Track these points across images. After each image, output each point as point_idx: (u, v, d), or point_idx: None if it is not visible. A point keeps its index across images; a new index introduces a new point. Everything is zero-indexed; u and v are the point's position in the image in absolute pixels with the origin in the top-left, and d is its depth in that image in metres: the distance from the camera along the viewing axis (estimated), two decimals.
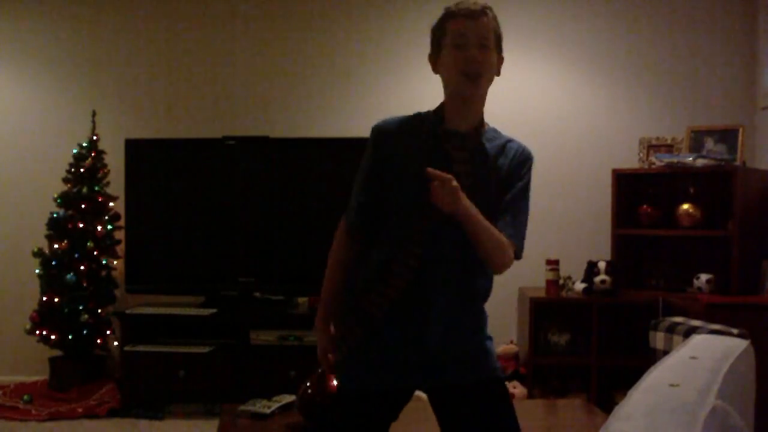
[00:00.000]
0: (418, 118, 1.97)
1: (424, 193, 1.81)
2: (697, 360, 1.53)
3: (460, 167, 1.86)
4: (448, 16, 1.90)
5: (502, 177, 1.91)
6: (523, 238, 1.93)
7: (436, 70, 1.96)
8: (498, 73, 1.95)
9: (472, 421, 1.90)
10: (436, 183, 1.76)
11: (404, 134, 1.95)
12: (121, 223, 4.67)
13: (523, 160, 1.94)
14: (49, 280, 4.51)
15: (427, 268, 1.87)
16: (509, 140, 1.97)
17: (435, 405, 1.97)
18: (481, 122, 1.94)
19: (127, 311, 4.46)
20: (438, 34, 1.93)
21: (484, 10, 1.89)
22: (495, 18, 1.91)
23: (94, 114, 4.71)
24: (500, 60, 1.95)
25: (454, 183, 1.75)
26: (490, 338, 2.01)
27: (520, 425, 1.95)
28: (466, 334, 1.93)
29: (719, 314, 3.57)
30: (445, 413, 1.94)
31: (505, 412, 1.93)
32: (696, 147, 4.35)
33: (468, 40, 1.86)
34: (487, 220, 1.84)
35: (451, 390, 1.92)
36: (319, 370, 2.74)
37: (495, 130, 1.98)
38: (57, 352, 4.58)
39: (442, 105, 1.96)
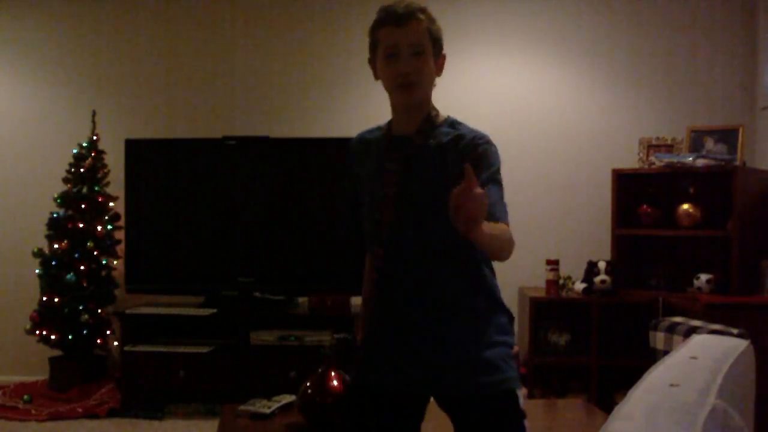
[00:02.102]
0: (381, 127, 1.96)
1: (374, 204, 1.84)
2: (697, 360, 1.53)
3: (390, 176, 1.83)
4: (378, 24, 1.84)
5: (455, 163, 1.75)
6: (506, 214, 1.78)
7: (376, 76, 1.90)
8: (439, 74, 1.87)
9: None
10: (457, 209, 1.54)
11: (366, 147, 1.95)
12: (121, 223, 4.67)
13: (474, 146, 1.78)
14: (49, 280, 4.51)
15: (396, 275, 1.87)
16: (462, 130, 1.84)
17: (444, 411, 1.93)
18: (427, 120, 1.85)
19: (127, 311, 4.46)
20: (372, 39, 1.87)
21: (414, 13, 1.78)
22: (429, 18, 1.81)
23: (94, 114, 4.72)
24: (441, 59, 1.87)
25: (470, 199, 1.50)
26: (498, 345, 1.84)
27: None
28: (460, 342, 1.82)
29: (719, 314, 3.57)
30: (452, 421, 1.89)
31: (510, 430, 1.82)
32: (696, 147, 4.35)
33: (399, 50, 1.79)
34: (442, 213, 1.68)
35: (452, 400, 1.85)
36: (320, 370, 2.74)
37: (453, 123, 1.87)
38: (57, 352, 4.59)
39: None
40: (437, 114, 1.89)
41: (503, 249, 1.72)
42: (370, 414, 1.91)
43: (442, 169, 1.79)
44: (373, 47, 1.87)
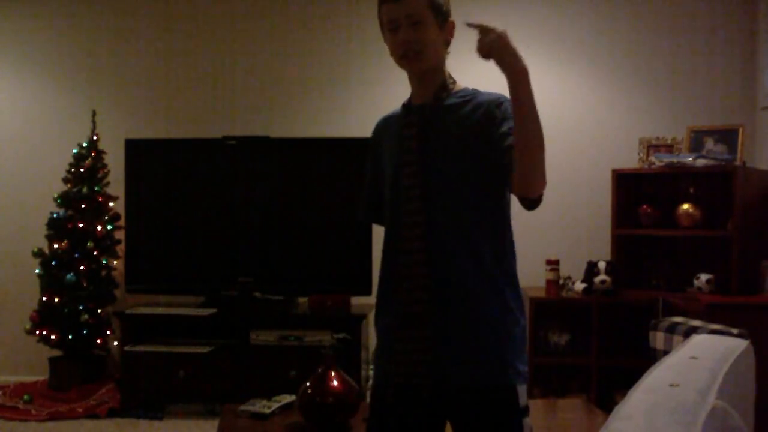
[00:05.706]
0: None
1: (396, 180, 1.85)
2: (697, 360, 1.53)
3: (408, 143, 1.86)
4: (380, 3, 1.90)
5: (476, 124, 1.82)
6: None
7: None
8: (449, 37, 1.90)
9: (470, 430, 1.82)
10: (481, 35, 1.69)
11: (387, 124, 2.00)
12: (121, 223, 4.67)
13: (497, 105, 1.82)
14: (49, 280, 4.51)
15: (402, 264, 1.84)
16: (480, 93, 1.89)
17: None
18: (443, 87, 1.89)
19: (127, 311, 4.46)
20: (379, 20, 1.93)
21: None
22: None
23: (94, 114, 4.72)
24: (449, 25, 1.90)
25: (498, 30, 1.68)
26: (503, 337, 1.83)
27: None
28: (466, 332, 1.81)
29: (719, 314, 3.57)
30: (451, 417, 1.87)
31: (504, 426, 1.81)
32: (696, 147, 4.35)
33: (399, 23, 1.84)
34: (464, 176, 1.80)
35: (456, 393, 1.82)
36: (320, 370, 2.74)
37: (468, 90, 1.91)
38: (57, 352, 4.58)
39: None
40: (454, 82, 1.93)
41: (538, 146, 1.68)
42: (386, 411, 1.88)
43: (461, 128, 1.84)
44: (381, 27, 1.93)
